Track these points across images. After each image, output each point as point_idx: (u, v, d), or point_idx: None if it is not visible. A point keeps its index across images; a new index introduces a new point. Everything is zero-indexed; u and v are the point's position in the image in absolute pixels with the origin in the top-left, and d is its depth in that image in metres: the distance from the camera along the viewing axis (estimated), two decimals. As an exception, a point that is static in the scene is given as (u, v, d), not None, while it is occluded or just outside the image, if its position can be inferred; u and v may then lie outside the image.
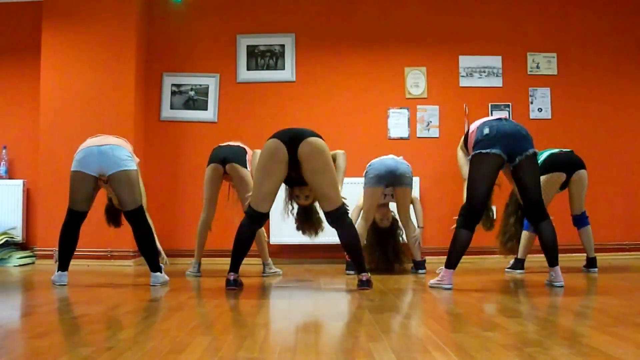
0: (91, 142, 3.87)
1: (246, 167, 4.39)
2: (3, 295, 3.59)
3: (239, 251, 3.59)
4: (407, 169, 4.64)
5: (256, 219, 3.62)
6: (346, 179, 5.38)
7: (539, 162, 4.25)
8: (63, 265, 3.85)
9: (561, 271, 3.61)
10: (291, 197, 3.89)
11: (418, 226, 4.75)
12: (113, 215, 4.14)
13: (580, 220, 4.64)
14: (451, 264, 3.56)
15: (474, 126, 3.77)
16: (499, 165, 3.60)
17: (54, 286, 3.78)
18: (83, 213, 3.85)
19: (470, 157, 3.69)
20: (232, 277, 3.56)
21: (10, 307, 3.17)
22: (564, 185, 4.56)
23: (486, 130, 3.63)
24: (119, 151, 3.81)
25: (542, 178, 4.22)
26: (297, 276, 4.47)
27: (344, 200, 3.67)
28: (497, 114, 5.76)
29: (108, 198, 4.11)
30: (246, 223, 3.62)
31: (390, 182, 4.60)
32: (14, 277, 4.55)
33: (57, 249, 3.94)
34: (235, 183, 4.46)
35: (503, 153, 3.56)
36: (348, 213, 3.66)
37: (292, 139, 3.55)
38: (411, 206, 4.76)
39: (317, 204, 3.86)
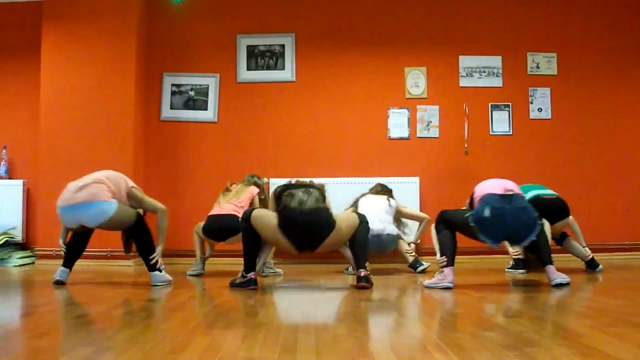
0: (66, 195, 3.78)
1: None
2: (3, 295, 3.59)
3: (254, 250, 3.67)
4: None
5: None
6: (342, 179, 5.47)
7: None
8: (68, 263, 3.88)
9: (561, 272, 3.60)
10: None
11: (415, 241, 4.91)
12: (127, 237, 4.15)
13: (561, 237, 4.64)
14: (449, 261, 3.57)
15: (478, 191, 3.67)
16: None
17: (54, 282, 3.81)
18: (89, 231, 3.90)
19: (467, 214, 3.57)
20: (253, 276, 3.61)
21: (10, 307, 3.17)
22: None
23: (487, 213, 3.50)
24: (90, 209, 3.72)
25: None
26: (297, 276, 4.47)
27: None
28: (497, 114, 5.77)
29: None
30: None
31: None
32: (14, 277, 4.55)
33: (56, 249, 3.97)
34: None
35: (497, 243, 3.58)
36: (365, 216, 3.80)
37: (306, 244, 3.65)
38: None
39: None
